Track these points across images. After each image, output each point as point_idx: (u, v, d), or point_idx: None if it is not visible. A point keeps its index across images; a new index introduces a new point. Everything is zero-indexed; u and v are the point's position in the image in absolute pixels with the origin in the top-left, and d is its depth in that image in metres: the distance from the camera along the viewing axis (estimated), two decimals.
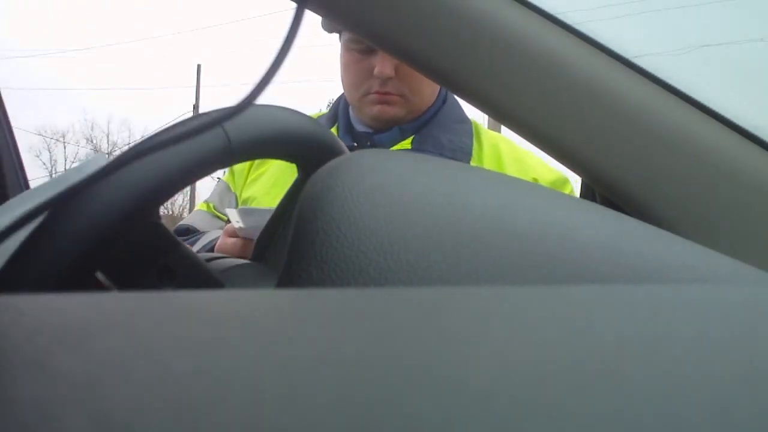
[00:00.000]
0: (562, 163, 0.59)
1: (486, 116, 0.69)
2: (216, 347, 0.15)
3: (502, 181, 0.36)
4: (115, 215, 0.39)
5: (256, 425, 0.11)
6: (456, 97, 1.08)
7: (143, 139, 0.44)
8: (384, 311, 0.18)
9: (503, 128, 0.62)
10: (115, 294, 0.42)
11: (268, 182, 1.12)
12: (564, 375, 0.13)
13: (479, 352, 0.15)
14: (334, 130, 1.18)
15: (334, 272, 0.27)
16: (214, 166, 0.45)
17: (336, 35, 1.17)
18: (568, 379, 0.13)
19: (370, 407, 0.12)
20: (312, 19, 0.75)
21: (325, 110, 1.28)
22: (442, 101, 1.16)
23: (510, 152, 1.14)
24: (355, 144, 1.14)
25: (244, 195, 1.15)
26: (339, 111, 1.19)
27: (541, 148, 0.60)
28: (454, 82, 0.59)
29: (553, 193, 0.36)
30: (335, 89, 1.26)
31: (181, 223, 1.14)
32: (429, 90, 1.13)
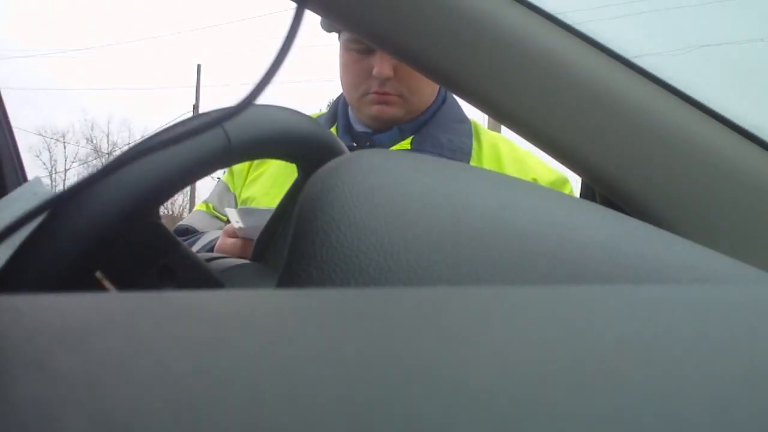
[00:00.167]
0: (562, 163, 0.59)
1: (486, 116, 0.69)
2: (216, 347, 0.15)
3: (502, 181, 0.36)
4: (115, 215, 0.39)
5: (256, 425, 0.11)
6: (456, 97, 1.08)
7: (143, 139, 0.44)
8: (384, 311, 0.18)
9: (503, 128, 0.62)
10: (115, 294, 0.42)
11: (268, 182, 1.12)
12: (564, 375, 0.13)
13: (479, 352, 0.15)
14: (333, 130, 1.18)
15: (334, 272, 0.27)
16: (214, 166, 0.45)
17: (335, 35, 1.17)
18: (568, 379, 0.13)
19: (370, 407, 0.12)
20: (312, 19, 0.75)
21: (325, 110, 1.28)
22: (441, 101, 1.16)
23: (509, 152, 1.14)
24: (355, 144, 1.14)
25: (244, 195, 1.15)
26: (338, 111, 1.19)
27: (541, 148, 0.60)
28: (454, 82, 0.59)
29: (553, 193, 0.36)
30: (335, 89, 1.26)
31: (181, 223, 1.14)
32: (428, 90, 1.12)
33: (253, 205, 1.10)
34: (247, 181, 1.16)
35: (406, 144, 1.12)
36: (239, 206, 1.15)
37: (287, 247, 0.30)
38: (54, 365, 0.13)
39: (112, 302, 0.19)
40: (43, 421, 0.11)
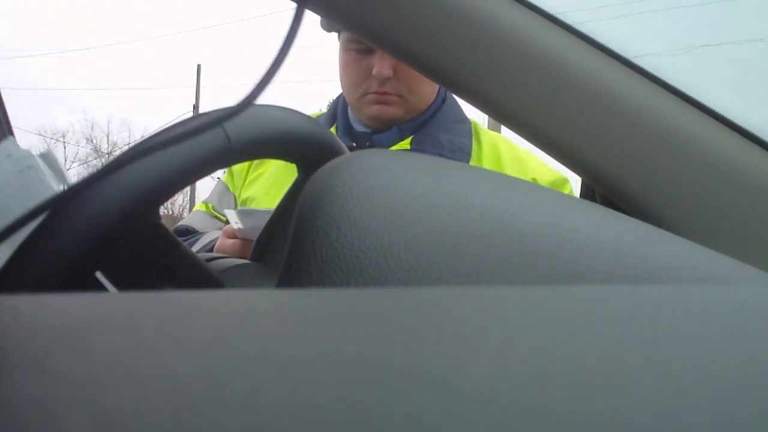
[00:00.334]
0: (562, 163, 0.60)
1: (486, 116, 0.69)
2: (216, 347, 0.15)
3: (501, 181, 0.36)
4: (115, 215, 0.39)
5: (256, 425, 0.11)
6: (456, 97, 1.08)
7: (143, 139, 0.44)
8: (384, 311, 0.18)
9: (503, 128, 0.62)
10: (115, 294, 0.42)
11: (267, 183, 1.12)
12: (564, 375, 0.13)
13: (479, 352, 0.15)
14: (332, 130, 1.18)
15: (334, 272, 0.27)
16: (214, 166, 0.45)
17: (335, 35, 1.17)
18: (568, 379, 0.13)
19: (369, 407, 0.12)
20: (312, 19, 0.75)
21: (325, 110, 1.28)
22: (441, 101, 1.16)
23: (509, 152, 1.14)
24: (354, 144, 1.14)
25: (243, 195, 1.15)
26: (338, 111, 1.19)
27: (541, 148, 0.60)
28: (454, 82, 0.59)
29: (553, 193, 0.36)
30: (335, 89, 1.26)
31: (181, 223, 1.14)
32: (428, 90, 1.12)
33: (253, 206, 1.10)
34: (247, 181, 1.16)
35: (405, 144, 1.12)
36: (239, 206, 1.15)
37: (287, 247, 0.30)
38: (54, 365, 0.13)
39: (112, 302, 0.19)
40: (43, 421, 0.11)
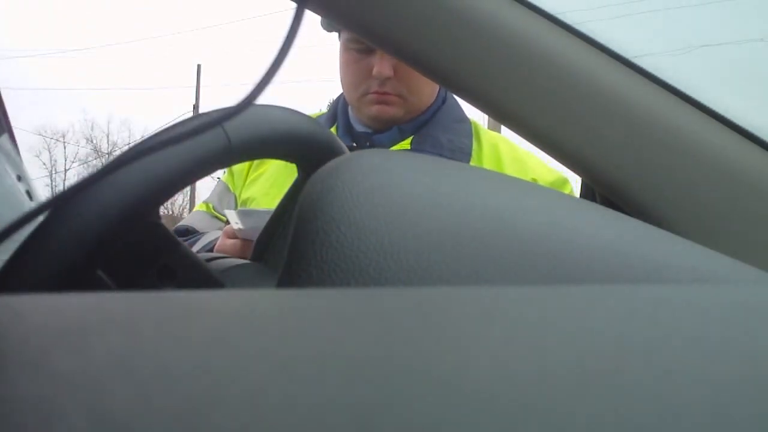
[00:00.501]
0: (563, 163, 0.59)
1: (486, 116, 0.69)
2: (216, 347, 0.15)
3: (502, 181, 0.36)
4: (115, 215, 0.39)
5: (256, 425, 0.11)
6: (456, 97, 1.08)
7: (143, 139, 0.44)
8: (384, 311, 0.18)
9: (503, 128, 0.62)
10: (115, 294, 0.42)
11: (267, 183, 1.12)
12: (564, 375, 0.13)
13: (479, 352, 0.15)
14: (333, 130, 1.18)
15: (334, 272, 0.27)
16: (214, 166, 0.45)
17: (335, 35, 1.17)
18: (568, 379, 0.13)
19: (370, 407, 0.12)
20: (312, 19, 0.75)
21: (325, 110, 1.28)
22: (441, 101, 1.16)
23: (509, 152, 1.14)
24: (354, 144, 1.14)
25: (244, 195, 1.15)
26: (338, 111, 1.19)
27: (541, 148, 0.60)
28: (454, 82, 0.59)
29: (554, 193, 0.36)
30: (335, 89, 1.26)
31: (181, 223, 1.14)
32: (428, 90, 1.12)
33: (253, 206, 1.10)
34: (247, 181, 1.16)
35: (405, 144, 1.12)
36: (239, 206, 1.15)
37: (287, 247, 0.30)
38: (54, 365, 0.13)
39: (112, 302, 0.19)
40: (43, 421, 0.11)
